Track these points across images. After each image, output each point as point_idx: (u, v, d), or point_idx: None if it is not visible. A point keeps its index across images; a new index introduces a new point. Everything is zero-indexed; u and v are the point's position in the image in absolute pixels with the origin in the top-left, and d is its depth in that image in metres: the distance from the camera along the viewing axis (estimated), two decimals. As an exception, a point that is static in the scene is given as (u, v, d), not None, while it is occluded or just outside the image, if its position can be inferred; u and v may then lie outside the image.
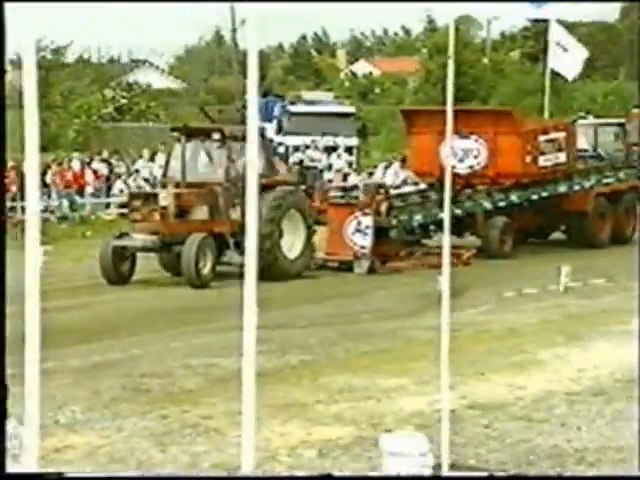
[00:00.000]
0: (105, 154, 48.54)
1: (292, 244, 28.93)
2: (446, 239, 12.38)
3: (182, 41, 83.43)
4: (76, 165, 46.07)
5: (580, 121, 38.90)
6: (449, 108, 11.64)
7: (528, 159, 33.56)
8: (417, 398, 16.20)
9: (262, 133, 30.99)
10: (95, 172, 46.19)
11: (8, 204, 35.08)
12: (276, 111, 52.02)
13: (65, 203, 43.92)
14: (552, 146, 34.26)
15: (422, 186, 35.14)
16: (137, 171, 46.32)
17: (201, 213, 28.55)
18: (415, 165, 35.55)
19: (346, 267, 30.14)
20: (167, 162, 30.44)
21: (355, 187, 35.42)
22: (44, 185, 42.03)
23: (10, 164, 36.78)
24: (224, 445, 13.86)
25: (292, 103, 53.09)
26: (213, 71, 74.09)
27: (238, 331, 9.28)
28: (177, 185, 28.96)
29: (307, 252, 29.43)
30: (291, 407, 16.04)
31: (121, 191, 43.66)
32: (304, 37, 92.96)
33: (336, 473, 10.83)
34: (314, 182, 43.50)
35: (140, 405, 16.61)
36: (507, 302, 25.70)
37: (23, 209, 25.96)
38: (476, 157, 32.92)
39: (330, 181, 45.59)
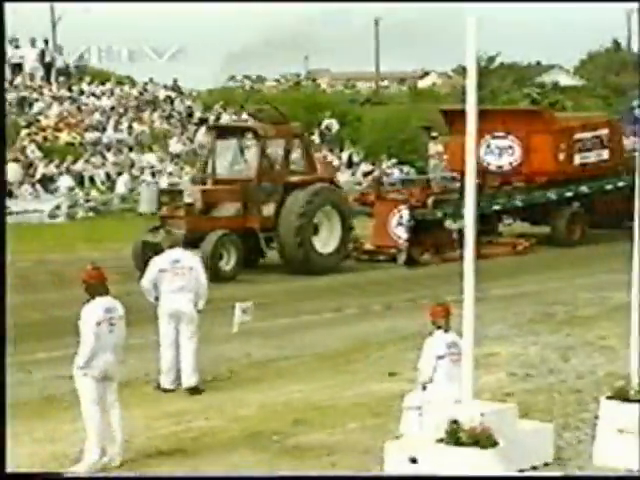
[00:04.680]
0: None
1: (327, 240, 23.09)
2: None
3: (585, 47, 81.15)
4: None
5: None
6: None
7: (562, 157, 27.17)
8: None
9: (302, 132, 24.36)
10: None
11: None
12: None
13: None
14: (592, 143, 27.78)
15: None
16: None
17: (229, 209, 22.79)
18: (453, 163, 28.70)
19: (386, 259, 24.54)
20: (207, 159, 24.30)
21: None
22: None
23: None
24: (616, 359, 13.60)
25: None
26: (610, 71, 72.10)
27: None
28: (215, 182, 23.35)
29: (343, 248, 23.35)
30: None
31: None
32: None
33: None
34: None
35: (549, 325, 16.63)
36: None
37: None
38: (511, 155, 27.00)
39: None
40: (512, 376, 13.41)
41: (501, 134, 26.84)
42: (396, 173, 38.59)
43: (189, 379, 13.04)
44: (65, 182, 32.97)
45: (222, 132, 24.06)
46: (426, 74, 79.90)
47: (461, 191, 26.22)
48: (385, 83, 72.08)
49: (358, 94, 64.36)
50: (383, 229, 24.85)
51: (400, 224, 24.56)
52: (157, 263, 13.39)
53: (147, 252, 21.53)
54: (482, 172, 27.37)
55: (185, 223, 21.82)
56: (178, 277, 13.18)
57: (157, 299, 13.23)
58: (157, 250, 22.23)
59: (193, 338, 13.16)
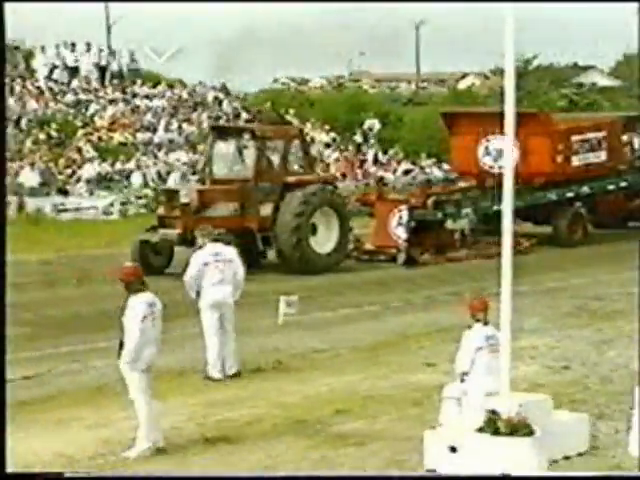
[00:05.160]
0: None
1: (325, 240, 22.35)
2: None
3: (621, 49, 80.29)
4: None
5: None
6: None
7: (559, 158, 26.08)
8: None
9: (300, 133, 23.65)
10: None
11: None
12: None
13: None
14: (590, 145, 26.67)
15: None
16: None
17: (226, 209, 21.87)
18: (456, 164, 27.94)
19: (386, 259, 23.70)
20: (206, 159, 23.55)
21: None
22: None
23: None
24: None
25: None
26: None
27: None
28: (213, 182, 22.64)
29: (341, 247, 22.58)
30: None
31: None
32: None
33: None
34: None
35: (583, 319, 16.49)
36: None
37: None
38: None
39: None
40: (548, 368, 13.31)
41: (499, 136, 25.37)
42: (436, 172, 38.47)
43: (232, 366, 13.18)
44: (136, 179, 33.30)
45: (221, 133, 23.38)
46: (465, 75, 79.63)
47: (462, 191, 25.85)
48: (425, 84, 71.84)
49: (400, 95, 64.21)
50: (383, 229, 24.13)
51: (400, 224, 23.83)
52: (199, 258, 13.41)
53: (145, 251, 21.33)
54: (480, 173, 26.31)
55: (180, 223, 21.10)
56: (219, 269, 13.25)
57: (198, 294, 13.26)
58: (156, 249, 21.67)
59: (233, 327, 13.29)
